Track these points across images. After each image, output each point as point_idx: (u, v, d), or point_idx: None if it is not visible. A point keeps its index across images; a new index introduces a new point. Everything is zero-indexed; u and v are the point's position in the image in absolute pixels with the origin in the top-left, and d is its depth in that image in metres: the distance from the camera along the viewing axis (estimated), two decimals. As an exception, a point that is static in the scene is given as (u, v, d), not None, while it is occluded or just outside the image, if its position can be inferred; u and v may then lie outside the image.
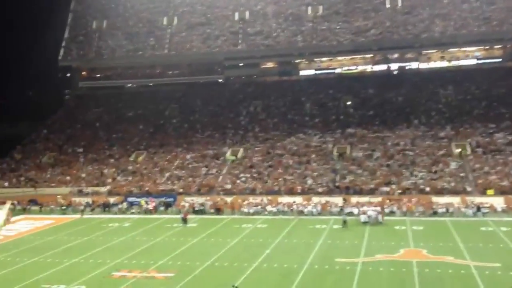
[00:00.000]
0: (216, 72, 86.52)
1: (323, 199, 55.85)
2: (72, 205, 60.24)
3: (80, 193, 63.46)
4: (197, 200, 58.38)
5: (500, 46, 77.72)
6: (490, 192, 53.87)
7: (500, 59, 78.26)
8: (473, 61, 79.23)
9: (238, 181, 62.67)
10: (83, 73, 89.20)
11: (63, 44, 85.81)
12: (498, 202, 52.00)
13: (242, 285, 28.84)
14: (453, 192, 54.69)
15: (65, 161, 72.92)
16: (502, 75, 75.91)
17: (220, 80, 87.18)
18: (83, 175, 68.15)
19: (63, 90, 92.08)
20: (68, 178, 67.76)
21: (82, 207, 58.74)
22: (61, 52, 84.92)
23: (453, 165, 60.35)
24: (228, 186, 61.70)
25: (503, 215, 49.16)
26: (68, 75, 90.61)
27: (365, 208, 49.71)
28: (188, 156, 70.11)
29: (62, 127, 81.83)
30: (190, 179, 64.33)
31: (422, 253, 35.82)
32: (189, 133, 76.50)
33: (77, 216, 56.10)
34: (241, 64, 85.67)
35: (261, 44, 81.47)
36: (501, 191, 53.86)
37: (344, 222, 46.08)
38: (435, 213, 50.36)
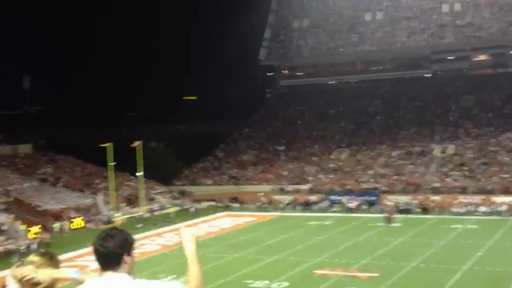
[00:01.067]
0: (422, 67, 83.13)
1: (547, 199, 51.02)
2: (273, 202, 60.78)
3: (281, 191, 63.90)
4: (402, 199, 56.07)
5: None
6: None
7: None
8: None
9: (447, 179, 59.34)
10: (284, 71, 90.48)
11: (265, 43, 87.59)
12: None
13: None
14: None
15: (266, 159, 74.13)
16: None
17: (427, 75, 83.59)
18: (285, 173, 68.66)
19: (264, 88, 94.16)
20: (269, 176, 68.74)
21: (282, 205, 59.01)
22: (263, 51, 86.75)
23: None
24: (436, 185, 58.61)
25: None
26: (270, 74, 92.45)
27: None
28: (393, 153, 67.92)
29: (264, 126, 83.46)
30: (395, 177, 62.12)
31: None
32: (394, 129, 74.08)
33: (278, 213, 56.45)
34: (449, 58, 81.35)
35: (472, 36, 77.01)
36: None
37: None
38: None
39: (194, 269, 3.85)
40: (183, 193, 66.29)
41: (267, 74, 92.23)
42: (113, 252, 3.79)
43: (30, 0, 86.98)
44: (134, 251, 3.93)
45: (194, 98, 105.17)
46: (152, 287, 3.78)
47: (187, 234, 4.07)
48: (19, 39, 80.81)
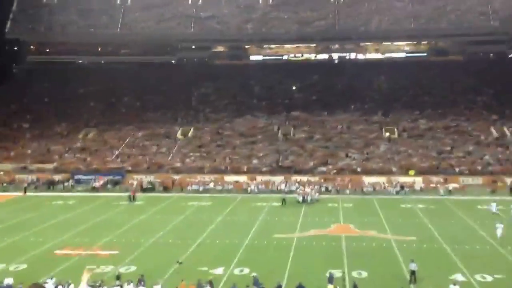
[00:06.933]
0: (169, 53, 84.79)
1: (266, 178, 56.11)
2: (15, 182, 57.71)
3: (24, 169, 60.84)
4: (146, 178, 57.03)
5: (425, 42, 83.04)
6: (411, 172, 56.28)
7: (425, 54, 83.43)
8: (403, 54, 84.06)
9: (187, 160, 61.65)
10: (32, 47, 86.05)
11: (11, 16, 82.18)
12: (418, 181, 54.35)
13: (186, 260, 28.20)
14: (381, 172, 56.94)
15: (9, 136, 69.99)
16: (426, 68, 79.28)
17: (173, 62, 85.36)
18: (29, 151, 65.58)
19: (10, 63, 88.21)
20: (12, 153, 65.11)
21: (25, 184, 56.07)
22: (8, 24, 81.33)
23: (382, 147, 62.47)
24: (178, 165, 60.62)
25: (421, 194, 51.32)
26: (16, 48, 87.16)
27: (303, 188, 50.77)
28: (139, 134, 68.52)
29: (8, 101, 78.50)
30: (140, 157, 62.83)
31: (350, 228, 36.80)
32: (141, 112, 74.78)
33: (20, 193, 53.62)
34: (193, 47, 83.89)
35: (212, 28, 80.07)
36: (420, 172, 56.18)
37: (284, 200, 46.19)
38: (364, 192, 52.11)
39: None
40: None
41: (14, 48, 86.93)
42: None
43: None
44: None
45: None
46: None
47: None
48: None
